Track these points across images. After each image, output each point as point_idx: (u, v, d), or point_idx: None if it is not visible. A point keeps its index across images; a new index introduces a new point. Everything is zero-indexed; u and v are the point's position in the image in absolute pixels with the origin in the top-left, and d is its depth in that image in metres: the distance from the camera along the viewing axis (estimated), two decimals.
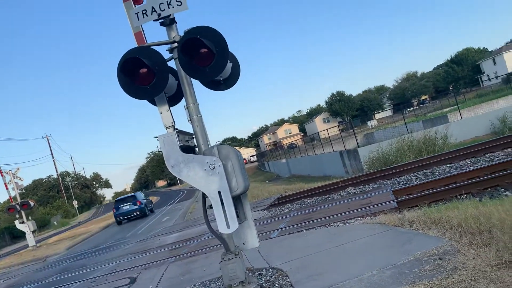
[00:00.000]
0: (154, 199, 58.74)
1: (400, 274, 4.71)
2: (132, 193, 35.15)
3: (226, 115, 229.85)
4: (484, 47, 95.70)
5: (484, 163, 12.09)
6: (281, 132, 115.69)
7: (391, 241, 6.21)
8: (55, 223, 59.57)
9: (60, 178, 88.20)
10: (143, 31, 5.41)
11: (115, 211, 30.61)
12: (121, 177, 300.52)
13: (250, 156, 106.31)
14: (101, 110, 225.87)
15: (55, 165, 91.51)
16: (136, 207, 30.03)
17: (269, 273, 6.35)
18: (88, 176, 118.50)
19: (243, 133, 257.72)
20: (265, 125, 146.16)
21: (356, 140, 27.98)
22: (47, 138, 79.14)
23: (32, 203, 27.39)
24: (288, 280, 5.73)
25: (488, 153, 13.36)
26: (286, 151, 51.67)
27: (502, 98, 35.80)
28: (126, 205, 30.21)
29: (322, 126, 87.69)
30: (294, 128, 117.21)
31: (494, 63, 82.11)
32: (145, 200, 32.37)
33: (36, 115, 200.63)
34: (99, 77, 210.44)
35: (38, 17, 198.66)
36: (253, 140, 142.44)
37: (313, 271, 5.76)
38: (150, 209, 33.42)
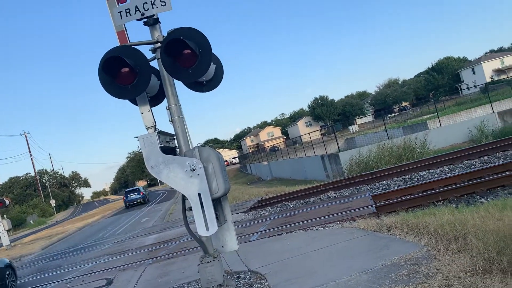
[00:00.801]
0: None
1: (376, 278, 4.76)
2: (137, 187, 49.32)
3: (209, 116, 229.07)
4: (464, 56, 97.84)
5: (461, 170, 12.34)
6: (263, 135, 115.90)
7: (369, 245, 6.27)
8: (31, 222, 58.28)
9: (37, 176, 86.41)
10: (126, 30, 5.36)
11: (125, 198, 42.31)
12: (100, 176, 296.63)
13: (232, 158, 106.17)
14: (81, 108, 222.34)
15: (32, 162, 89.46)
16: (139, 196, 41.73)
17: (248, 276, 6.33)
18: (66, 175, 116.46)
19: (226, 135, 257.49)
20: (248, 127, 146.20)
21: (338, 144, 28.23)
22: (25, 135, 77.41)
23: (7, 201, 26.78)
24: (266, 283, 5.73)
25: (465, 160, 13.65)
26: (268, 154, 51.76)
27: (480, 107, 36.58)
28: (133, 195, 41.93)
29: (305, 130, 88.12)
30: (277, 131, 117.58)
31: (473, 72, 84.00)
32: (146, 192, 45.67)
33: (14, 111, 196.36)
34: (80, 75, 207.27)
35: (18, 10, 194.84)
36: (236, 142, 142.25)
37: (291, 274, 5.78)
38: (148, 199, 44.55)
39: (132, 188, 46.51)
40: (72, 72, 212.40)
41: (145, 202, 42.49)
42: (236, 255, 7.60)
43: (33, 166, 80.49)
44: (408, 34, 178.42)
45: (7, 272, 10.72)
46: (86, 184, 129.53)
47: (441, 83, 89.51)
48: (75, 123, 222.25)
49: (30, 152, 76.74)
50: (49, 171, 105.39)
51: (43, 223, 56.66)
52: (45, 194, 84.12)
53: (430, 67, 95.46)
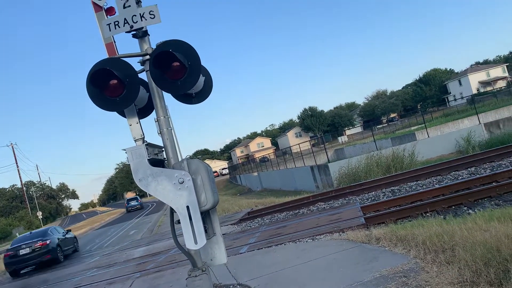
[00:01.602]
0: (121, 211, 63.39)
1: None
2: (136, 196, 70.90)
3: (199, 127, 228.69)
4: (450, 68, 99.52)
5: (449, 181, 12.45)
6: (253, 146, 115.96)
7: (358, 257, 6.27)
8: (17, 234, 57.20)
9: (24, 188, 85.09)
10: (114, 42, 5.34)
11: (126, 204, 58.27)
12: (88, 188, 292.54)
13: (222, 169, 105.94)
14: (69, 120, 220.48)
15: (19, 174, 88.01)
16: (138, 203, 56.95)
17: None
18: (54, 186, 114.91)
19: (216, 146, 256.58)
20: (238, 138, 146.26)
21: (327, 155, 28.35)
22: (12, 146, 76.35)
23: None
24: None
25: (453, 171, 13.78)
26: (258, 165, 51.72)
27: (467, 118, 37.07)
28: (133, 202, 57.76)
29: (294, 141, 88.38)
30: (267, 142, 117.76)
31: (460, 84, 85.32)
32: (141, 200, 60.87)
33: (0, 122, 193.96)
34: (68, 86, 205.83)
35: (6, 22, 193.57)
36: (226, 152, 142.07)
37: (280, 287, 5.74)
38: (142, 206, 58.03)
39: (132, 197, 63.89)
40: (59, 83, 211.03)
41: (142, 208, 55.80)
42: (225, 268, 7.54)
43: (20, 178, 79.12)
44: (396, 46, 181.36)
45: (75, 241, 20.79)
46: (74, 195, 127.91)
47: (429, 95, 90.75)
48: (63, 134, 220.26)
49: (17, 163, 75.51)
50: (36, 182, 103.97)
51: None
52: (32, 206, 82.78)
53: (417, 78, 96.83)
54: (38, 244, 16.72)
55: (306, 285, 5.58)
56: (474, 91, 75.78)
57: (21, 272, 17.08)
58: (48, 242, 17.04)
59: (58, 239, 18.17)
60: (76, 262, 16.42)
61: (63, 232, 19.72)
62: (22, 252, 16.51)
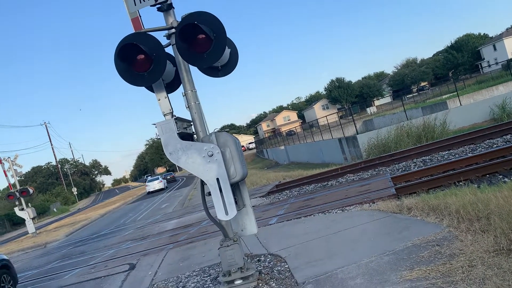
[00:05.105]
0: None
1: (398, 260, 4.74)
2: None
3: (225, 102, 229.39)
4: (484, 33, 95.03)
5: (482, 149, 12.10)
6: (279, 119, 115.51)
7: (389, 227, 6.23)
8: (54, 210, 59.76)
9: (59, 165, 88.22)
10: (140, 16, 5.34)
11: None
12: (120, 164, 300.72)
13: (249, 143, 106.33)
14: (100, 97, 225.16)
15: (53, 152, 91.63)
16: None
17: (268, 259, 6.38)
18: (87, 163, 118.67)
19: (242, 120, 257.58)
20: (264, 112, 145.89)
21: (355, 127, 27.93)
22: (46, 125, 78.90)
23: (31, 190, 27.41)
24: (286, 266, 5.76)
25: (487, 139, 13.36)
26: (284, 138, 51.61)
27: (502, 85, 35.62)
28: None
29: (321, 113, 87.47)
30: (293, 115, 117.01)
31: (495, 49, 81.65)
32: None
33: (34, 101, 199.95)
34: (98, 63, 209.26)
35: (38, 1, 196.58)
36: (252, 127, 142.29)
37: (311, 257, 5.79)
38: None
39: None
40: (90, 61, 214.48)
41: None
42: (255, 239, 7.65)
43: (54, 155, 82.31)
44: (426, 12, 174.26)
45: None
46: (106, 172, 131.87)
47: (461, 62, 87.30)
48: (94, 112, 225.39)
49: (50, 141, 78.46)
50: (70, 160, 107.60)
51: (66, 211, 58.05)
52: (67, 183, 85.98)
53: (449, 45, 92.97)
54: None
55: (336, 254, 5.61)
56: (510, 56, 72.43)
57: None
58: None
59: None
60: (111, 235, 17.02)
61: None
62: None
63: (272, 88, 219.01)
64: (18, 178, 28.53)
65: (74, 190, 78.05)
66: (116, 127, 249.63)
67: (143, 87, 5.37)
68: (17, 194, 26.09)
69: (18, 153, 44.22)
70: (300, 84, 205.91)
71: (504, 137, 13.15)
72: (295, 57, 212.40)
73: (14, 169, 27.38)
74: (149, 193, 44.60)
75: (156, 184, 45.49)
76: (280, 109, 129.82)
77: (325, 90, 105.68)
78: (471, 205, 5.60)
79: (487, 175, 8.88)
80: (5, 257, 8.93)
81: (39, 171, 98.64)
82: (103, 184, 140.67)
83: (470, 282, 3.74)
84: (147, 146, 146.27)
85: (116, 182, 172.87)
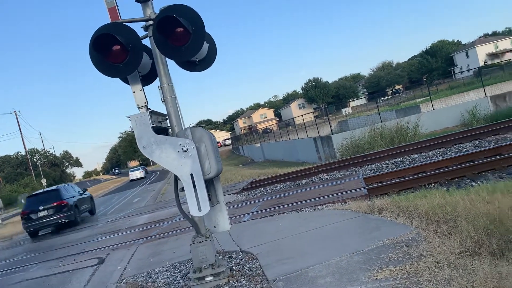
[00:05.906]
0: (125, 179, 64.45)
1: (367, 260, 4.81)
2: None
3: (202, 97, 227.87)
4: (458, 40, 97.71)
5: (452, 153, 12.42)
6: (256, 117, 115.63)
7: (360, 227, 6.32)
8: (22, 201, 58.02)
9: (28, 155, 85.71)
10: (117, 6, 5.23)
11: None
12: (92, 156, 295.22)
13: (225, 140, 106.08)
14: (73, 87, 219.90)
15: (23, 141, 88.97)
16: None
17: (239, 256, 6.37)
18: (58, 154, 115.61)
19: (219, 116, 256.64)
20: (241, 109, 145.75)
21: (330, 127, 28.25)
22: (15, 114, 76.40)
23: None
24: (258, 263, 5.77)
25: (457, 144, 13.72)
26: (260, 136, 51.71)
27: (473, 91, 36.63)
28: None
29: (298, 112, 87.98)
30: (270, 113, 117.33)
31: (467, 56, 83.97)
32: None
33: (4, 89, 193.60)
34: (71, 53, 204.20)
35: None
36: (228, 123, 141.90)
37: (282, 255, 5.81)
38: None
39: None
40: (63, 51, 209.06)
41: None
42: (228, 236, 7.64)
43: (24, 145, 79.70)
44: (403, 16, 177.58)
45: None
46: (77, 163, 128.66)
47: (435, 67, 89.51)
48: (66, 102, 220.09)
49: (20, 130, 75.72)
50: (40, 150, 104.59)
51: None
52: (36, 173, 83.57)
53: (424, 50, 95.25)
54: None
55: (307, 253, 5.65)
56: (481, 64, 74.64)
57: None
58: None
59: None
60: (81, 228, 16.68)
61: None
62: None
63: (249, 85, 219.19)
64: None
65: (44, 181, 75.79)
66: (89, 118, 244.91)
67: (119, 79, 5.26)
68: None
69: None
70: (277, 82, 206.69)
71: (473, 142, 13.53)
72: (273, 54, 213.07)
73: None
74: (131, 180, 55.68)
75: (138, 173, 58.11)
76: (257, 107, 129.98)
77: (302, 90, 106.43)
78: (440, 208, 5.74)
79: (456, 179, 9.12)
80: (89, 194, 18.77)
81: (7, 160, 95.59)
82: (74, 176, 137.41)
83: (436, 282, 3.83)
84: (121, 138, 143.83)
85: (88, 174, 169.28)
